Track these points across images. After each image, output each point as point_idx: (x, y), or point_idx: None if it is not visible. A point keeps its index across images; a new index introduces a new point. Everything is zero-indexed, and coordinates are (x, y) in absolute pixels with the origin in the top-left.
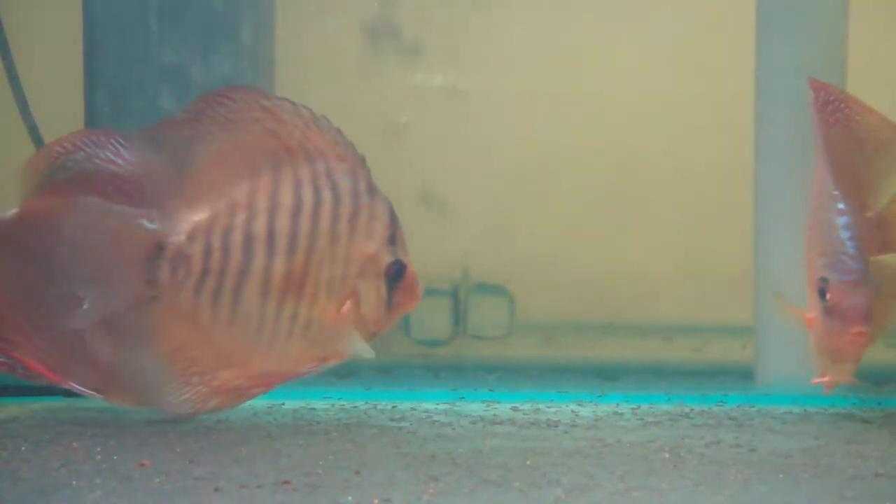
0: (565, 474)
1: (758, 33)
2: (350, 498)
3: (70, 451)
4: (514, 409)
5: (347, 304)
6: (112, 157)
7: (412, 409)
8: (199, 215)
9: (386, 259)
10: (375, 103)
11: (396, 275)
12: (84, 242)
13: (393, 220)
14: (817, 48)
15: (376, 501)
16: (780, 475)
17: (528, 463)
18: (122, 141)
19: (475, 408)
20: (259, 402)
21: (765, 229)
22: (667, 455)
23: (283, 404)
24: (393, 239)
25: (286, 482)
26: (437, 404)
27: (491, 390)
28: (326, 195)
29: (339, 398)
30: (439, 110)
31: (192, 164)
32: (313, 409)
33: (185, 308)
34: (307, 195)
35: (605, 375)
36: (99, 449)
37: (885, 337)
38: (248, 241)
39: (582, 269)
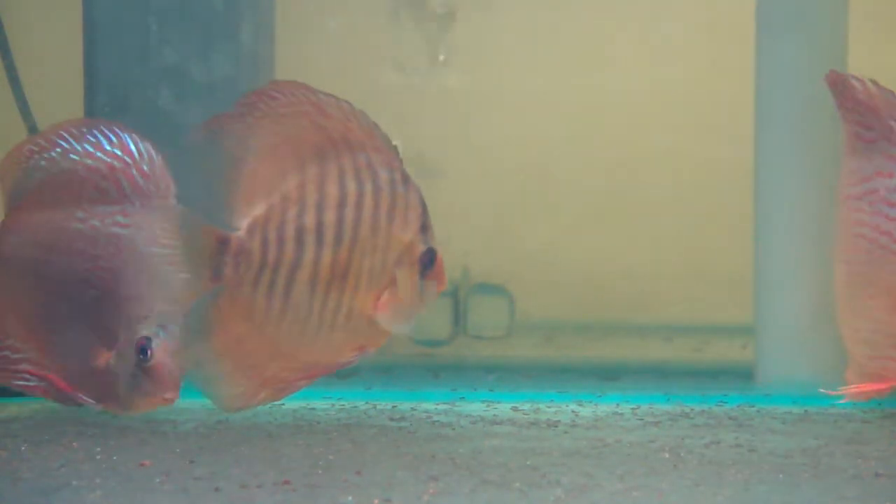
0: (565, 474)
1: (758, 33)
2: (350, 498)
3: (70, 451)
4: (514, 409)
5: (386, 293)
6: (90, 149)
7: (412, 409)
8: (256, 209)
9: (420, 247)
10: (375, 104)
11: (429, 262)
12: (156, 247)
13: (424, 208)
14: (817, 48)
15: (376, 501)
16: (780, 475)
17: (528, 463)
18: (100, 130)
19: (475, 408)
20: None
21: (765, 229)
22: (667, 455)
23: (283, 404)
24: (424, 227)
25: (286, 482)
26: (437, 404)
27: (491, 390)
28: (368, 187)
29: (339, 398)
30: (439, 110)
31: (247, 157)
32: (313, 409)
33: (243, 302)
34: (351, 187)
35: (605, 375)
36: (99, 449)
37: None
38: (300, 233)
39: (582, 269)
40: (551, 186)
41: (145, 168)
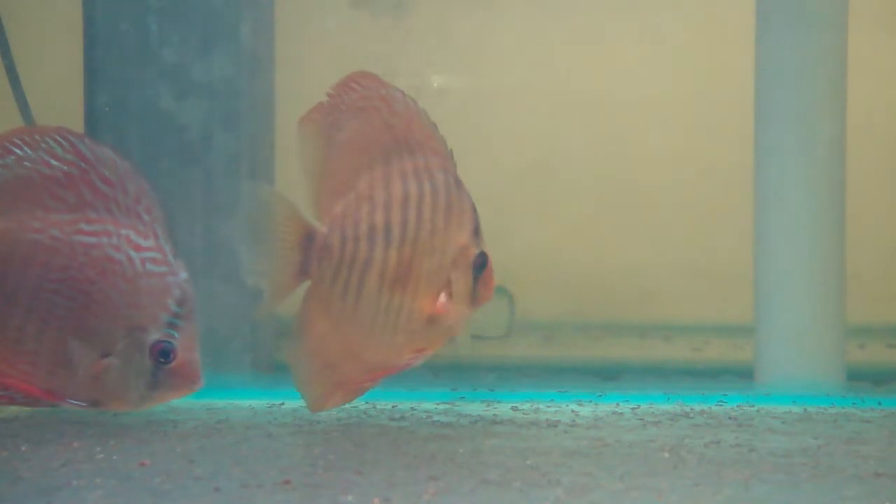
0: (565, 474)
1: (758, 33)
2: (350, 498)
3: (70, 451)
4: (514, 408)
5: (443, 295)
6: (46, 157)
7: (412, 409)
8: (335, 205)
9: (474, 251)
10: None
11: (481, 266)
12: (257, 231)
13: (475, 212)
14: (817, 48)
15: (376, 501)
16: (780, 475)
17: (528, 463)
18: (54, 138)
19: (475, 408)
20: (259, 402)
21: (765, 229)
22: (667, 455)
23: (283, 404)
24: (477, 231)
25: (286, 482)
26: (437, 404)
27: (491, 390)
28: (427, 188)
29: None
30: (438, 110)
31: (331, 151)
32: None
33: (324, 298)
34: (412, 188)
35: (605, 375)
36: (99, 449)
37: (886, 337)
38: (372, 232)
39: (582, 268)
40: (551, 186)
41: (106, 174)
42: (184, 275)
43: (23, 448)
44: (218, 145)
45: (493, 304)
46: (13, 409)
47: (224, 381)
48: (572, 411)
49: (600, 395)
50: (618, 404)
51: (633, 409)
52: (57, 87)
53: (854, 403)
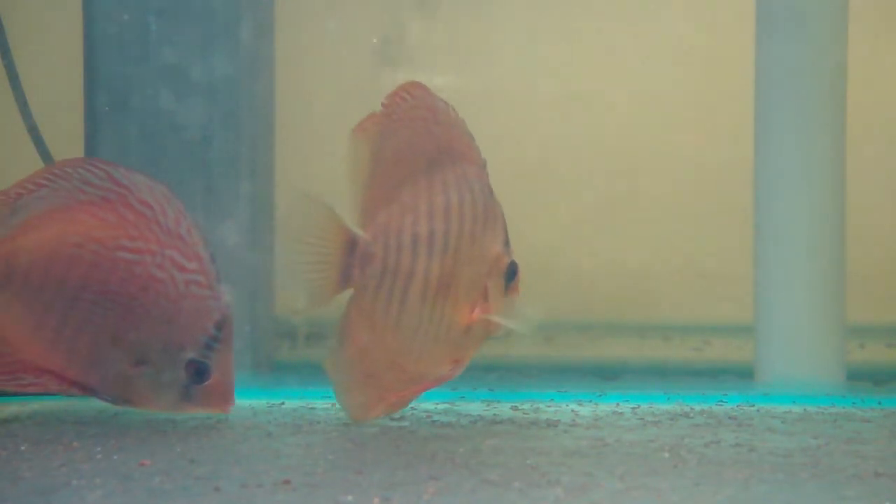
0: (565, 474)
1: (758, 33)
2: (350, 497)
3: (70, 451)
4: (514, 408)
5: (479, 305)
6: (81, 185)
7: (412, 408)
8: (379, 213)
9: (506, 259)
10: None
11: (512, 275)
12: (295, 234)
13: (504, 221)
14: (817, 48)
15: (376, 501)
16: (780, 475)
17: (528, 462)
18: (89, 167)
19: (475, 408)
20: (259, 402)
21: (765, 229)
22: (667, 455)
23: (283, 404)
24: (507, 240)
25: (286, 482)
26: (437, 404)
27: (491, 390)
28: (466, 198)
29: None
30: None
31: (380, 160)
32: (313, 408)
33: (367, 308)
34: (453, 198)
35: (605, 375)
36: (99, 448)
37: (886, 337)
38: (415, 242)
39: (582, 269)
40: (551, 186)
41: (144, 197)
42: (226, 299)
43: (23, 448)
44: (218, 145)
45: None
46: (13, 409)
47: None
48: (572, 411)
49: (600, 395)
50: (618, 404)
51: (633, 408)
52: (57, 87)
53: (854, 403)
